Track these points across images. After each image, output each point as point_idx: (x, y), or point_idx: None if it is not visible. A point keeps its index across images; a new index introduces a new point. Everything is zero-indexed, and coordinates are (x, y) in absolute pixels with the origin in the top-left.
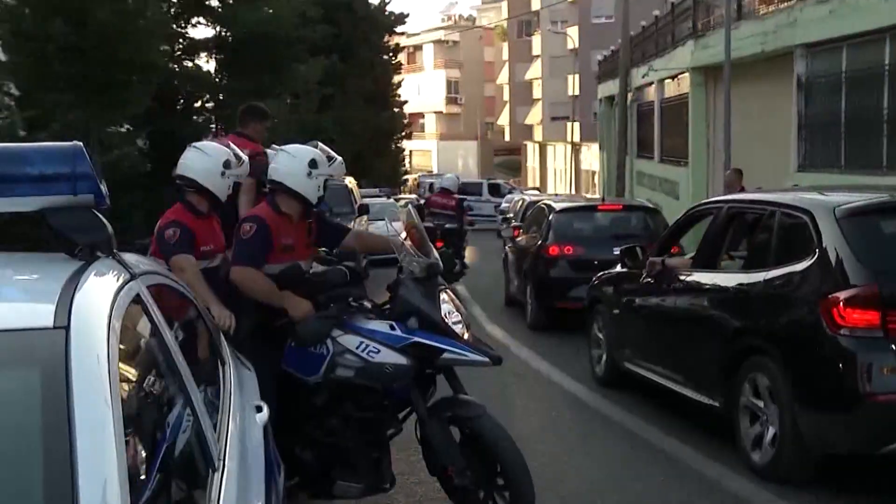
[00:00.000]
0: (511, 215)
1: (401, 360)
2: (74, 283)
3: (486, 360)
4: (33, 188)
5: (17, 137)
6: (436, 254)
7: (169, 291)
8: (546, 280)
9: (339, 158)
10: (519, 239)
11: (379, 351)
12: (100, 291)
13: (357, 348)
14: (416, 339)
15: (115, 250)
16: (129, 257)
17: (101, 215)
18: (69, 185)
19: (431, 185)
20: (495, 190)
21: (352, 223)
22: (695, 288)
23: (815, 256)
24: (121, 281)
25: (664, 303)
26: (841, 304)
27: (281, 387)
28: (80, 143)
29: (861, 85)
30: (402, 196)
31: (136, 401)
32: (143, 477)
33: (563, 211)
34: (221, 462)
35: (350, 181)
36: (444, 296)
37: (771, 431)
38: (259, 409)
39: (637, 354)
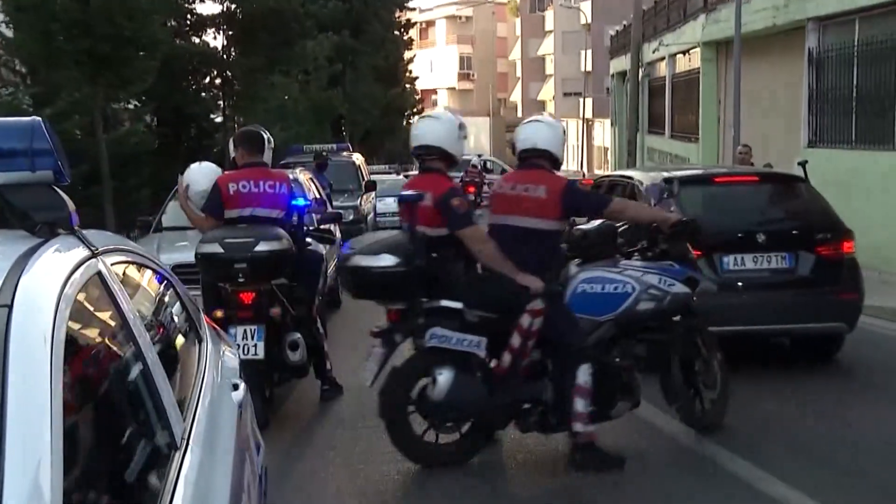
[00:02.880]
0: None
1: (686, 290)
2: (26, 260)
3: (714, 287)
4: None
5: (23, 114)
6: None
7: (138, 269)
8: None
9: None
10: None
11: (674, 284)
12: (53, 269)
13: (659, 283)
14: (689, 273)
15: (76, 227)
16: (94, 234)
17: (60, 192)
18: (27, 161)
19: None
20: (485, 168)
21: (359, 200)
22: None
23: None
24: (79, 258)
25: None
26: None
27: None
28: (39, 119)
29: (873, 59)
30: (412, 173)
31: (88, 381)
32: (88, 459)
33: None
34: (185, 442)
35: (357, 157)
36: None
37: None
38: (235, 388)
39: None
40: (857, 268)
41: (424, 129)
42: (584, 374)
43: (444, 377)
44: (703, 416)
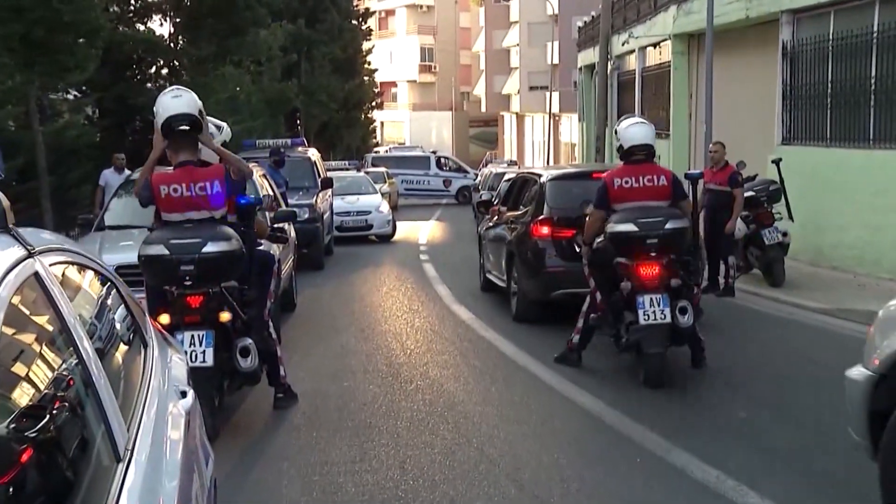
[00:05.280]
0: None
1: None
2: None
3: None
4: None
5: None
6: None
7: (79, 270)
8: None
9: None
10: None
11: None
12: None
13: None
14: None
15: (10, 225)
16: (30, 233)
17: None
18: None
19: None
20: (442, 164)
21: (314, 198)
22: (502, 222)
23: (536, 201)
24: (14, 258)
25: (494, 232)
26: (535, 224)
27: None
28: None
29: (849, 53)
30: (372, 169)
31: (23, 389)
32: (23, 473)
33: (508, 179)
34: (129, 452)
35: (313, 153)
36: None
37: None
38: (183, 395)
39: (488, 265)
40: (699, 244)
41: (645, 132)
42: None
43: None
44: None
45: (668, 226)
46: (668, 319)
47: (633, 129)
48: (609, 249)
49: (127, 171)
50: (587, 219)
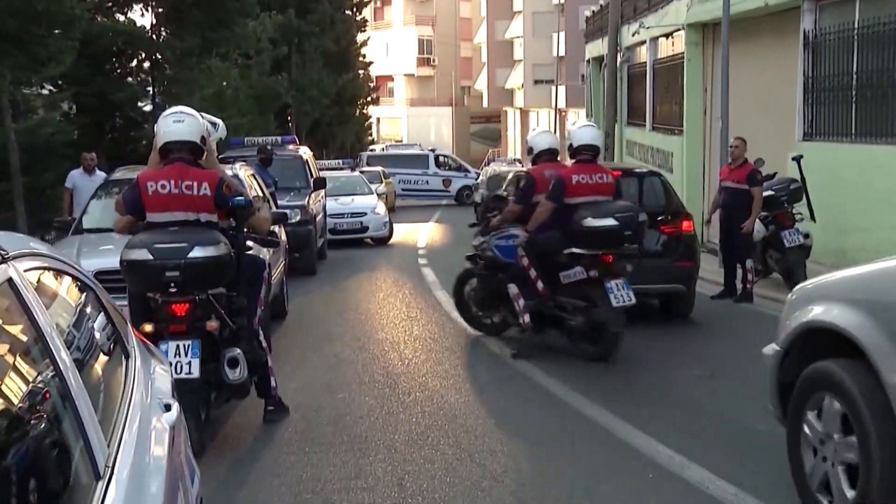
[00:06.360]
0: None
1: None
2: None
3: None
4: None
5: None
6: None
7: (55, 276)
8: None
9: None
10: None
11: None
12: None
13: None
14: None
15: None
16: (3, 236)
17: None
18: None
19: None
20: (441, 163)
21: (306, 199)
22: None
23: None
24: None
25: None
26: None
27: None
28: None
29: (875, 43)
30: (368, 169)
31: None
32: None
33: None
34: (109, 469)
35: (305, 151)
36: None
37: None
38: (167, 408)
39: None
40: (693, 243)
41: (593, 134)
42: None
43: None
44: None
45: (640, 219)
46: (634, 301)
47: (583, 131)
48: (556, 240)
49: (99, 173)
50: (538, 209)
